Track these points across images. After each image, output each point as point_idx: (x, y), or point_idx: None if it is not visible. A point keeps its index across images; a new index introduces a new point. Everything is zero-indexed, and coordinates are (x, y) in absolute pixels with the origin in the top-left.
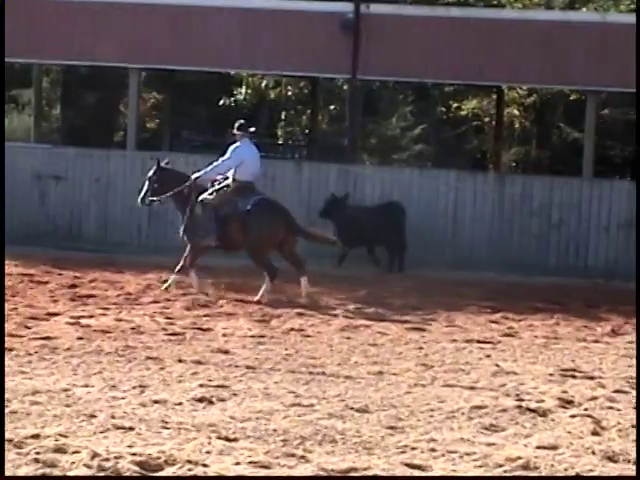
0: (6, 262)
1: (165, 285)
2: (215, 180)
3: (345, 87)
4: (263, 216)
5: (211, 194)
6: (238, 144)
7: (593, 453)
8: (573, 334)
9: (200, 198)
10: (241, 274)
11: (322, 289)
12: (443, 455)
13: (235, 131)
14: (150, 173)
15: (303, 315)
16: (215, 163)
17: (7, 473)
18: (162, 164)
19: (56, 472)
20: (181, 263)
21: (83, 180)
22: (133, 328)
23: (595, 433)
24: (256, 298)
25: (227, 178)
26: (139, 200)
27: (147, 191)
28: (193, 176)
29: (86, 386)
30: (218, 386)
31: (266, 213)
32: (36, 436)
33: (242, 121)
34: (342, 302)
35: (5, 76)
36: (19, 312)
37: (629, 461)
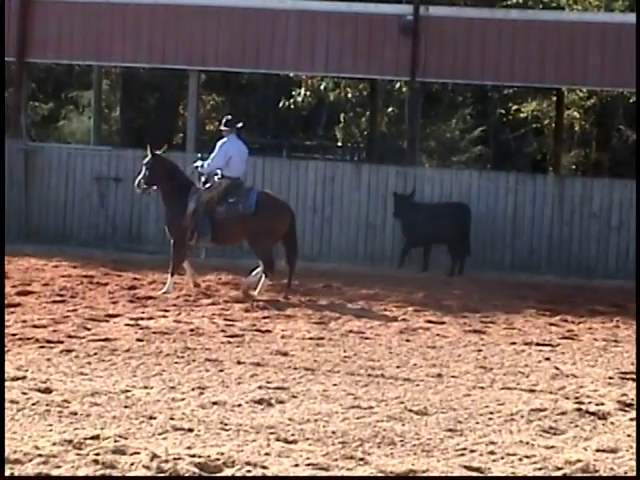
0: (66, 263)
1: (162, 291)
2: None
3: (404, 89)
4: (270, 212)
5: (200, 195)
6: (225, 139)
7: None
8: (633, 337)
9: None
10: (298, 276)
11: (381, 291)
12: (502, 458)
13: (222, 127)
14: (145, 160)
15: (362, 317)
16: (207, 162)
17: (66, 474)
18: (158, 152)
19: (115, 473)
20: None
21: None
22: (192, 330)
23: None
24: (256, 292)
25: (216, 175)
26: (135, 185)
27: (142, 178)
28: (195, 164)
29: (145, 388)
30: (277, 388)
31: (273, 209)
32: (96, 437)
33: (229, 117)
34: (401, 304)
35: (65, 78)
36: (78, 314)
37: None
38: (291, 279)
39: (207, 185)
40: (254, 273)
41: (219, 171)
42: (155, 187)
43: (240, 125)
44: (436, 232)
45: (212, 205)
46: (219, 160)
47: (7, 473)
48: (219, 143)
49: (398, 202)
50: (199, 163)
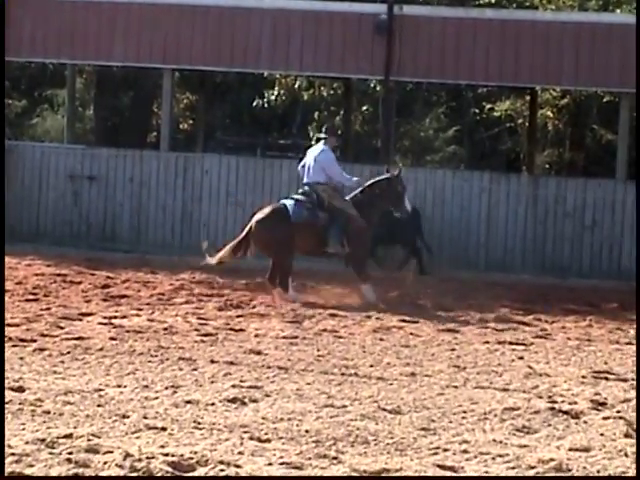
0: (39, 262)
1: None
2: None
3: (378, 88)
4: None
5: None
6: (324, 148)
7: (626, 455)
8: (606, 336)
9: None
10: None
11: (352, 289)
12: (475, 457)
13: (321, 135)
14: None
15: (335, 316)
16: (337, 172)
17: (39, 473)
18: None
19: (88, 472)
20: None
21: (117, 181)
22: (166, 329)
23: (628, 435)
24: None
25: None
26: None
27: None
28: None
29: (119, 386)
30: (250, 387)
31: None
32: (69, 436)
33: (329, 124)
34: (374, 303)
35: (39, 76)
36: (52, 312)
37: None
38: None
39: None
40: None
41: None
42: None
43: (340, 132)
44: (385, 234)
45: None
46: (339, 171)
47: None
48: (328, 158)
49: None
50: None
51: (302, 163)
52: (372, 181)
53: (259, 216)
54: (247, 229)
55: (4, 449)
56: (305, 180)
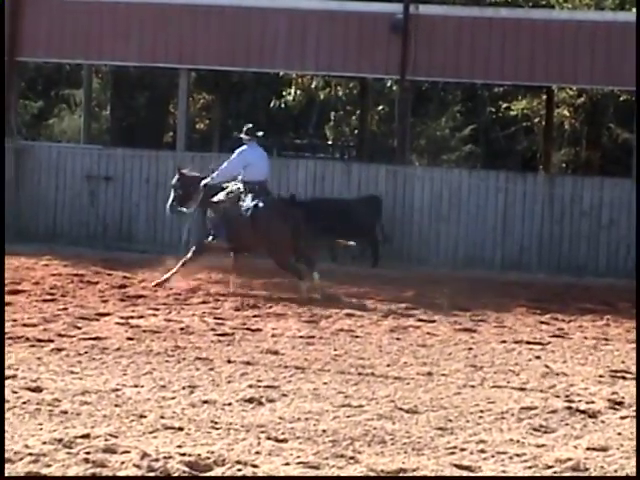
0: (56, 262)
1: (160, 280)
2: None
3: (394, 88)
4: (272, 218)
5: (225, 196)
6: (244, 147)
7: None
8: (623, 335)
9: (215, 199)
10: (289, 275)
11: (369, 289)
12: (492, 456)
13: (243, 135)
14: (173, 181)
15: (352, 316)
16: (222, 166)
17: (56, 473)
18: (183, 171)
19: (106, 472)
20: (183, 261)
21: (133, 181)
22: (182, 328)
23: None
24: (304, 296)
25: (236, 181)
26: (167, 208)
27: (173, 199)
28: (203, 182)
29: (136, 386)
30: (267, 387)
31: (274, 215)
32: (86, 436)
33: (250, 125)
34: (391, 303)
35: (55, 76)
36: (69, 312)
37: None
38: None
39: (229, 189)
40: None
41: (239, 178)
42: (186, 207)
43: (260, 134)
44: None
45: (230, 207)
46: (233, 167)
47: None
48: (238, 150)
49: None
50: (207, 181)
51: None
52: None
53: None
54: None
55: (4, 449)
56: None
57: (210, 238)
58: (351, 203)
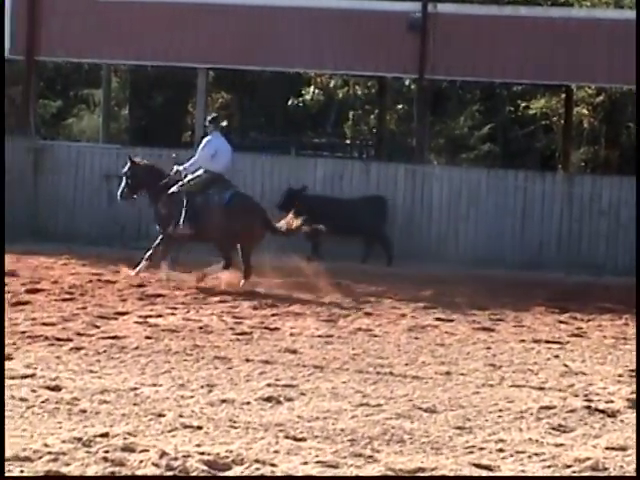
0: (75, 261)
1: (135, 271)
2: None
3: (413, 87)
4: (240, 211)
5: (183, 185)
6: (209, 137)
7: None
8: None
9: (171, 190)
10: (306, 274)
11: (387, 288)
12: (511, 455)
13: (207, 124)
14: (125, 169)
15: (370, 315)
16: (193, 159)
17: (75, 472)
18: (135, 159)
19: (124, 471)
20: (152, 252)
21: None
22: (201, 327)
23: None
24: (207, 269)
25: (198, 169)
26: (118, 195)
27: (124, 187)
28: (175, 169)
29: (154, 385)
30: (286, 385)
31: (242, 209)
32: (105, 435)
33: (214, 114)
34: (409, 302)
35: (74, 76)
36: (88, 311)
37: None
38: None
39: (190, 178)
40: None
41: (202, 166)
42: (136, 195)
43: (224, 124)
44: (336, 224)
45: (192, 195)
46: (204, 156)
47: (17, 471)
48: (204, 140)
49: (286, 197)
50: (180, 168)
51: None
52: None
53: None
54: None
55: (4, 449)
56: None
57: (173, 226)
58: (355, 203)
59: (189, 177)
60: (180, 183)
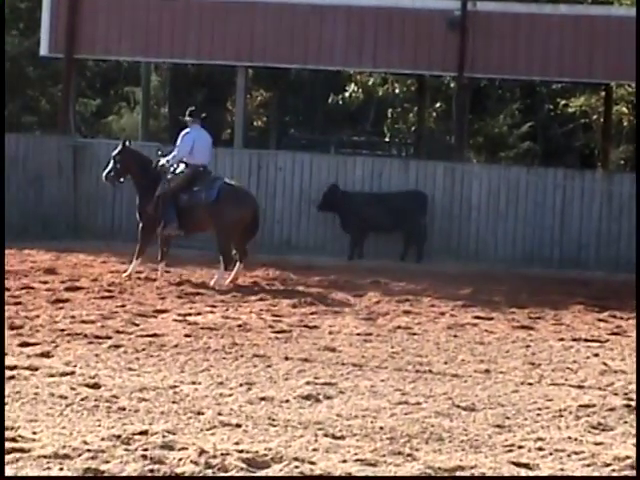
0: (114, 259)
1: (126, 273)
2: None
3: (452, 85)
4: (231, 202)
5: (166, 184)
6: (188, 130)
7: None
8: None
9: (157, 193)
10: (346, 272)
11: (427, 286)
12: (550, 454)
13: (186, 117)
14: (114, 152)
15: (410, 313)
16: (173, 153)
17: (114, 469)
18: (127, 144)
19: (164, 469)
20: (160, 254)
21: None
22: (240, 325)
23: None
24: (211, 284)
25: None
26: (104, 176)
27: (110, 170)
28: (161, 162)
29: (193, 383)
30: (325, 384)
31: (233, 202)
32: (144, 432)
33: (192, 108)
34: (448, 300)
35: (114, 74)
36: (127, 309)
37: None
38: (238, 273)
39: (173, 173)
40: (217, 275)
41: (183, 159)
42: (122, 179)
43: (203, 115)
44: (373, 221)
45: (177, 193)
46: (184, 149)
47: (56, 468)
48: (182, 133)
49: (327, 196)
50: (163, 161)
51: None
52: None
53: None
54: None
55: (4, 449)
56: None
57: (162, 226)
58: (395, 197)
59: (169, 176)
60: (163, 183)
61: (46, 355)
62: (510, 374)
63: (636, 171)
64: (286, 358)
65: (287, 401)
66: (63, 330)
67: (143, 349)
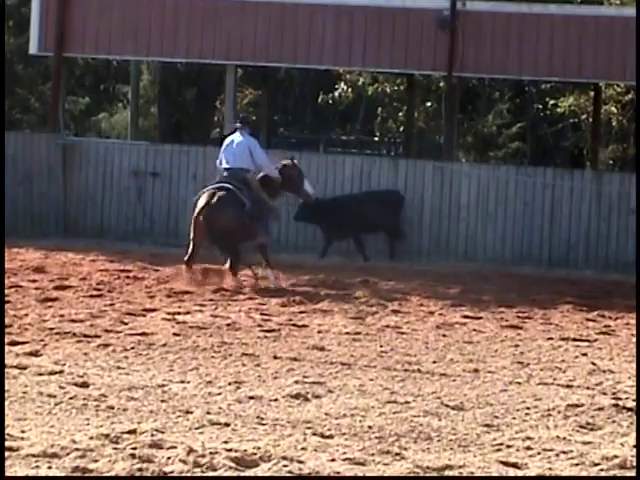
0: (103, 258)
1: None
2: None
3: (441, 84)
4: None
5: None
6: (252, 140)
7: None
8: None
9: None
10: (335, 271)
11: (416, 286)
12: (539, 453)
13: (237, 124)
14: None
15: (398, 312)
16: (266, 159)
17: (103, 468)
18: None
19: (152, 467)
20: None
21: (180, 177)
22: (229, 324)
23: None
24: (272, 286)
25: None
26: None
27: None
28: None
29: (182, 382)
30: (313, 383)
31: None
32: (133, 431)
33: (244, 114)
34: (437, 299)
35: (103, 72)
36: (116, 308)
37: None
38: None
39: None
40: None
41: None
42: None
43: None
44: (362, 221)
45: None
46: (266, 159)
47: (44, 467)
48: (256, 142)
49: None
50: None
51: (222, 155)
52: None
53: (207, 200)
54: (198, 214)
55: (4, 449)
56: (228, 165)
57: (260, 235)
58: (364, 199)
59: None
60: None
61: (35, 354)
62: (499, 373)
63: (636, 171)
64: (275, 357)
65: (276, 400)
66: (52, 329)
67: (132, 348)
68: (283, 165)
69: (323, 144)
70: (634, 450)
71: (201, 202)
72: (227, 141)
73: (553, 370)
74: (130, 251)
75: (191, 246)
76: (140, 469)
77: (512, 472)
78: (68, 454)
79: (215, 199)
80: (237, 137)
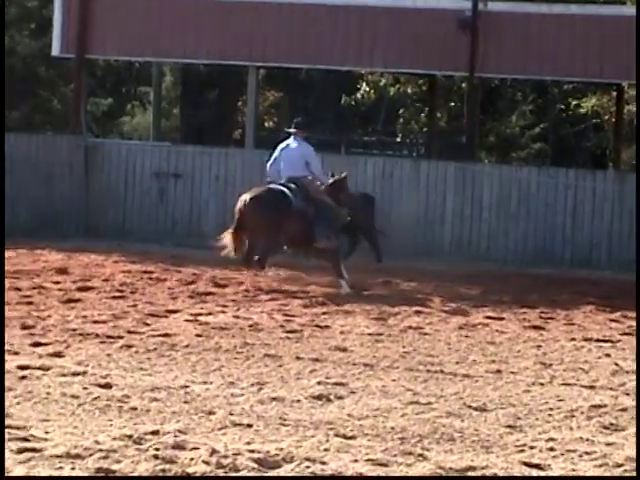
0: (125, 259)
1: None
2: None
3: (464, 85)
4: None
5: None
6: (307, 146)
7: None
8: None
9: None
10: (357, 272)
11: (438, 286)
12: (562, 454)
13: (291, 129)
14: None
15: (421, 313)
16: (320, 169)
17: (126, 469)
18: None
19: (175, 468)
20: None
21: (202, 178)
22: (251, 325)
23: None
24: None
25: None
26: None
27: None
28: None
29: (204, 383)
30: (336, 384)
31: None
32: (155, 432)
33: (299, 119)
34: (459, 300)
35: (125, 74)
36: (138, 309)
37: None
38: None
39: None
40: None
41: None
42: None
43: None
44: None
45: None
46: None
47: (68, 468)
48: (312, 152)
49: None
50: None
51: (273, 158)
52: (332, 181)
53: (252, 195)
54: (240, 209)
55: (4, 449)
56: (286, 173)
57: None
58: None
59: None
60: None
61: (58, 355)
62: (521, 374)
63: (636, 171)
64: (297, 358)
65: (298, 401)
66: (75, 330)
67: (154, 349)
68: (335, 180)
69: (344, 145)
70: None
71: (245, 196)
72: (282, 145)
73: (576, 371)
74: (152, 252)
75: (246, 245)
76: (163, 470)
77: (535, 473)
78: (91, 455)
79: (257, 194)
80: (292, 143)
